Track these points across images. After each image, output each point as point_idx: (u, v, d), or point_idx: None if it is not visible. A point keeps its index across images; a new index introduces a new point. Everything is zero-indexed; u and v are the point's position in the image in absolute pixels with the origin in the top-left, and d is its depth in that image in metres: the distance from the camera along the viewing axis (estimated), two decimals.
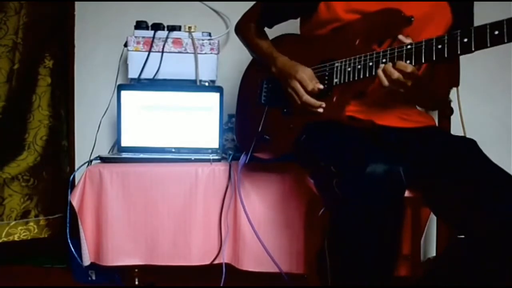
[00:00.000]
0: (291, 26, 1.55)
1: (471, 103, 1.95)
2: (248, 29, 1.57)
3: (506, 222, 1.03)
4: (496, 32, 1.01)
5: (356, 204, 1.06)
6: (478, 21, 1.33)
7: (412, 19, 1.22)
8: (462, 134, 1.80)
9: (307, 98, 1.32)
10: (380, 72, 1.19)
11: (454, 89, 1.63)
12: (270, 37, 1.57)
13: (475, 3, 1.35)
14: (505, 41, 1.00)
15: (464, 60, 1.41)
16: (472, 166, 1.16)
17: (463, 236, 1.11)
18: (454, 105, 1.73)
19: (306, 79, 1.32)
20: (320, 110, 1.31)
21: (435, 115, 1.73)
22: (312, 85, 1.31)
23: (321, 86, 1.31)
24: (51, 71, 2.18)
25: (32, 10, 2.14)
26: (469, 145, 1.24)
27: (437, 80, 1.40)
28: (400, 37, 1.20)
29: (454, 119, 1.76)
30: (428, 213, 1.78)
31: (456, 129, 1.80)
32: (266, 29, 1.58)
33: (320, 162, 1.20)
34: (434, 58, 1.11)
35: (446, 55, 1.10)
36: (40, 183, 2.15)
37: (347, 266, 1.11)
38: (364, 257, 1.08)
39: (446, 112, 1.73)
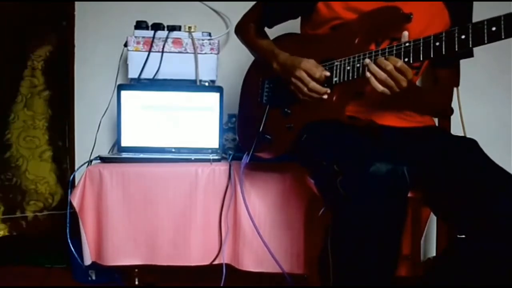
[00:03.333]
0: (291, 25, 1.55)
1: (471, 103, 1.96)
2: (248, 29, 1.57)
3: (507, 222, 1.04)
4: (494, 28, 1.00)
5: (360, 203, 1.06)
6: (477, 20, 1.34)
7: (411, 16, 1.21)
8: (462, 134, 1.80)
9: (313, 84, 1.30)
10: (373, 67, 1.17)
11: (454, 89, 1.63)
12: (270, 37, 1.57)
13: (475, 3, 1.35)
14: (502, 37, 1.00)
15: (464, 60, 1.41)
16: (473, 166, 1.16)
17: (463, 236, 1.11)
18: (454, 105, 1.72)
19: (312, 67, 1.32)
20: (325, 96, 1.30)
21: None
22: (319, 73, 1.31)
23: (328, 73, 1.30)
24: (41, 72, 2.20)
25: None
26: (469, 145, 1.24)
27: (440, 85, 1.40)
28: (405, 33, 1.18)
29: (454, 119, 1.76)
30: (428, 213, 1.78)
31: (456, 129, 1.80)
32: (266, 29, 1.59)
33: (322, 161, 1.20)
34: (432, 55, 1.11)
35: (443, 52, 1.09)
36: None
37: (350, 266, 1.11)
38: (366, 256, 1.08)
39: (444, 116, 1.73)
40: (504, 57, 2.03)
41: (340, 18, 1.34)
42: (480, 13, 1.34)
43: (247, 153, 1.53)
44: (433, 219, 1.84)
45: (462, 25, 1.06)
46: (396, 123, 1.37)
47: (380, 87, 1.17)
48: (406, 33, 1.17)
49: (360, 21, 1.30)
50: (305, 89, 1.32)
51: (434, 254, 1.98)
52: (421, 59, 1.14)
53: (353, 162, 1.10)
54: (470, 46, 1.05)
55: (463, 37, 1.06)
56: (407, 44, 1.15)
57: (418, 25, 1.25)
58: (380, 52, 1.20)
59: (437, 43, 1.10)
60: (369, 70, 1.18)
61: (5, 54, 2.19)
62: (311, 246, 1.66)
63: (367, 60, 1.19)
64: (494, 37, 1.01)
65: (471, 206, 1.09)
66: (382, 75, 1.16)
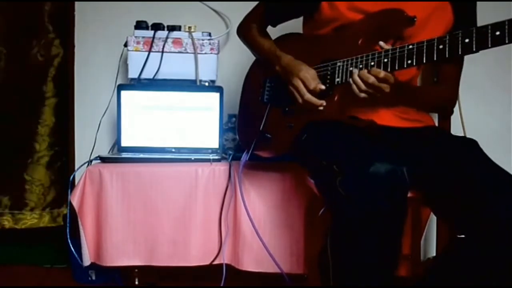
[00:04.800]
0: (294, 25, 1.55)
1: (471, 103, 1.96)
2: (250, 30, 1.57)
3: (506, 222, 1.04)
4: (498, 33, 1.01)
5: (360, 203, 1.06)
6: (478, 21, 1.34)
7: (415, 19, 1.22)
8: (462, 134, 1.80)
9: (308, 97, 1.32)
10: (356, 77, 1.21)
11: None
12: (272, 37, 1.57)
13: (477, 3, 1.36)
14: (506, 42, 1.01)
15: (464, 60, 1.41)
16: (473, 166, 1.16)
17: (463, 236, 1.11)
18: None
19: (309, 78, 1.33)
20: (321, 108, 1.31)
21: (435, 116, 1.73)
22: (314, 84, 1.32)
23: (323, 87, 1.32)
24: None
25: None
26: (470, 145, 1.24)
27: (443, 82, 1.40)
28: (381, 43, 1.22)
29: (454, 119, 1.76)
30: (428, 213, 1.78)
31: (456, 129, 1.80)
32: (269, 28, 1.58)
33: (322, 161, 1.20)
34: (435, 58, 1.12)
35: (447, 55, 1.10)
36: None
37: (350, 266, 1.11)
38: (366, 256, 1.09)
39: (446, 112, 1.73)
40: (504, 58, 2.02)
41: (343, 18, 1.35)
42: (480, 13, 1.35)
43: (246, 151, 1.53)
44: (433, 219, 1.84)
45: (466, 29, 1.07)
46: (397, 123, 1.37)
47: (361, 95, 1.22)
48: (381, 43, 1.21)
49: (364, 22, 1.31)
50: (300, 100, 1.34)
51: (434, 254, 1.98)
52: (424, 61, 1.14)
53: (353, 162, 1.10)
54: (474, 50, 1.06)
55: (467, 40, 1.06)
56: (410, 46, 1.16)
57: (420, 24, 1.25)
58: (383, 53, 1.20)
59: (441, 46, 1.11)
60: (351, 78, 1.22)
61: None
62: (311, 246, 1.66)
63: (354, 70, 1.24)
64: (498, 42, 1.02)
65: (471, 206, 1.09)
66: (362, 85, 1.20)
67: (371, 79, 1.18)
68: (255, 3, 1.59)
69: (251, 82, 1.61)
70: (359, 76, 1.21)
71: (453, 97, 1.44)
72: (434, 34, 1.14)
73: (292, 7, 1.50)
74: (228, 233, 1.71)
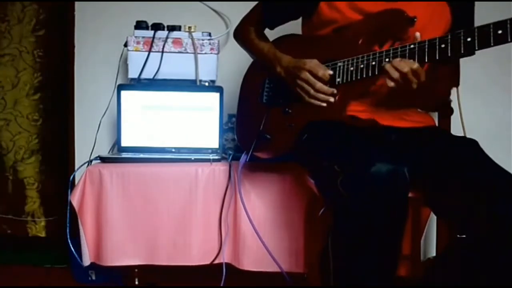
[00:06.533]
0: (292, 26, 1.55)
1: (471, 103, 1.95)
2: (248, 33, 1.56)
3: (507, 222, 1.04)
4: (500, 32, 1.01)
5: (361, 203, 1.06)
6: (478, 21, 1.34)
7: (415, 19, 1.22)
8: (462, 134, 1.80)
9: (320, 85, 1.30)
10: (389, 66, 1.17)
11: (454, 89, 1.64)
12: (270, 38, 1.57)
13: (476, 2, 1.36)
14: (509, 40, 1.01)
15: (464, 60, 1.40)
16: (473, 166, 1.17)
17: (463, 236, 1.11)
18: (454, 105, 1.73)
19: (315, 66, 1.32)
20: (332, 99, 1.29)
21: (435, 115, 1.73)
22: (322, 71, 1.30)
23: (331, 72, 1.30)
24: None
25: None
26: (470, 145, 1.24)
27: (440, 80, 1.40)
28: (417, 34, 1.18)
29: (454, 119, 1.76)
30: (428, 213, 1.78)
31: (456, 129, 1.80)
32: (266, 30, 1.58)
33: (322, 161, 1.20)
34: (437, 58, 1.12)
35: (449, 55, 1.10)
36: None
37: (350, 266, 1.11)
38: (367, 256, 1.09)
39: (446, 112, 1.73)
40: (504, 57, 2.02)
41: (343, 18, 1.34)
42: (480, 13, 1.35)
43: (245, 152, 1.53)
44: (433, 219, 1.84)
45: (468, 28, 1.07)
46: (397, 123, 1.37)
47: (391, 83, 1.18)
48: (418, 34, 1.17)
49: (364, 23, 1.31)
50: (312, 90, 1.31)
51: (434, 254, 1.98)
52: (426, 60, 1.14)
53: (354, 163, 1.10)
54: (476, 48, 1.05)
55: (469, 39, 1.06)
56: (412, 46, 1.16)
57: (418, 22, 1.25)
58: (384, 53, 1.20)
59: (443, 45, 1.10)
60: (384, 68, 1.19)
61: None
62: (311, 246, 1.66)
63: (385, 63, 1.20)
64: (500, 40, 1.02)
65: (472, 206, 1.09)
66: (396, 73, 1.16)
67: (406, 68, 1.15)
68: (255, 3, 1.58)
69: (250, 82, 1.61)
70: (392, 65, 1.17)
71: (454, 82, 1.43)
72: (434, 35, 1.14)
73: (290, 9, 1.49)
74: (228, 233, 1.71)
